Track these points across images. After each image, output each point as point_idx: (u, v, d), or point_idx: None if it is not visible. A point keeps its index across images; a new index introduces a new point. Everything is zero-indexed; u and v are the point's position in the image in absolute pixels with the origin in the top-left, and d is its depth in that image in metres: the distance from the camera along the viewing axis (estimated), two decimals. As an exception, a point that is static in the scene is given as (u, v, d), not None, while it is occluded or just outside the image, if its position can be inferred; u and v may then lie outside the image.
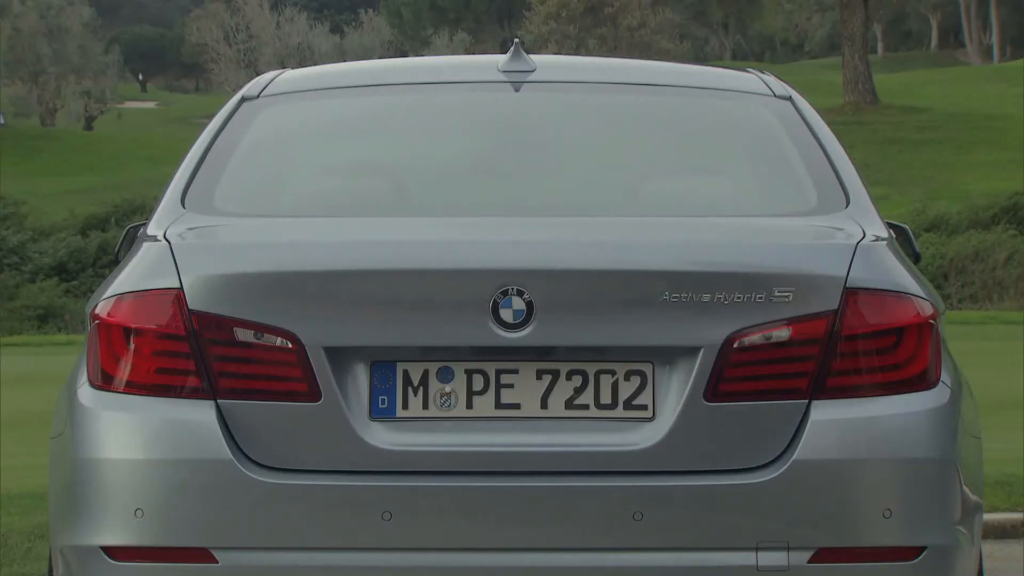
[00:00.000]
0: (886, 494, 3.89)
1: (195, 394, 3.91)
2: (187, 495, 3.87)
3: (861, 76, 54.72)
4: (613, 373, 3.90)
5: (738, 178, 4.75)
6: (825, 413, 3.89)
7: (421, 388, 3.90)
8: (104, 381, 3.97)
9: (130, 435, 3.92)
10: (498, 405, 3.89)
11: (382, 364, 3.90)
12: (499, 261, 3.87)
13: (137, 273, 4.04)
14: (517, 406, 3.89)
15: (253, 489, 3.84)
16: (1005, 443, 9.75)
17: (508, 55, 4.88)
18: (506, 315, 3.83)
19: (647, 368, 3.90)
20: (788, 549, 3.85)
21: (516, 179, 4.63)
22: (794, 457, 3.86)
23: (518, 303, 3.83)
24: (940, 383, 4.00)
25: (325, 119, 4.91)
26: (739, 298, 3.86)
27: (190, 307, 3.87)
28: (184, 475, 3.87)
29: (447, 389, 3.89)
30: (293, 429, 3.86)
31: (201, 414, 3.89)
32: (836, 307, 3.88)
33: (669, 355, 3.88)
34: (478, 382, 3.90)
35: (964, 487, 4.00)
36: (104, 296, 4.02)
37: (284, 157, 4.72)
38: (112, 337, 3.96)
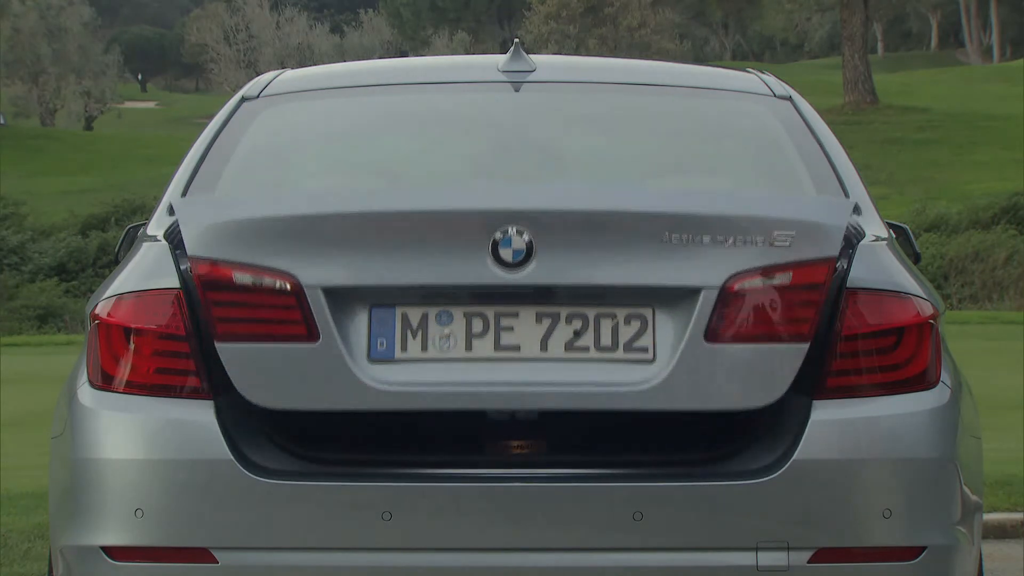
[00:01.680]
0: (886, 494, 3.90)
1: (195, 394, 3.91)
2: (187, 495, 3.87)
3: (861, 76, 54.74)
4: (613, 317, 3.89)
5: (738, 178, 4.76)
6: (825, 413, 3.89)
7: (420, 331, 3.89)
8: (104, 381, 3.97)
9: (130, 435, 3.92)
10: (497, 347, 3.88)
11: (381, 308, 3.89)
12: (499, 202, 3.87)
13: (137, 273, 4.04)
14: (516, 347, 3.88)
15: (253, 489, 3.84)
16: (1005, 443, 9.75)
17: (508, 55, 4.88)
18: (505, 254, 3.82)
19: (647, 312, 3.89)
20: (788, 549, 3.85)
21: (516, 179, 4.63)
22: (794, 457, 3.86)
23: (518, 242, 3.82)
24: (940, 383, 4.00)
25: (325, 119, 4.91)
26: (739, 241, 3.84)
27: (189, 253, 3.86)
28: (184, 475, 3.87)
29: (446, 332, 3.88)
30: (291, 370, 3.84)
31: (201, 414, 3.89)
32: (837, 254, 3.87)
33: (669, 298, 3.86)
34: (477, 325, 3.89)
35: (964, 487, 4.00)
36: (104, 296, 4.02)
37: (284, 157, 4.73)
38: (112, 337, 3.96)
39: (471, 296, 3.88)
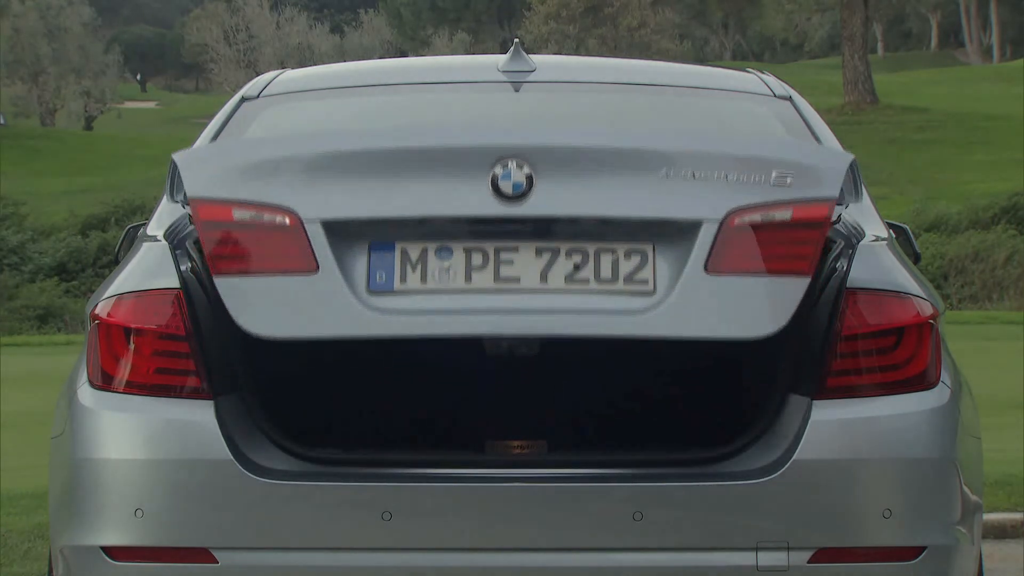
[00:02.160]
0: (886, 494, 3.90)
1: (195, 394, 3.91)
2: (187, 495, 3.87)
3: (861, 76, 54.74)
4: (613, 252, 3.89)
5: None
6: (825, 413, 3.89)
7: (420, 265, 3.89)
8: (104, 381, 3.97)
9: (130, 435, 3.92)
10: (497, 278, 3.87)
11: (380, 244, 3.89)
12: (499, 138, 3.87)
13: (137, 273, 4.04)
14: (516, 279, 3.87)
15: (253, 489, 3.84)
16: (1005, 443, 9.75)
17: (508, 55, 4.89)
18: (505, 187, 3.81)
19: (647, 248, 3.88)
20: (788, 549, 3.86)
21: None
22: (794, 457, 3.86)
23: (518, 175, 3.81)
24: (940, 383, 4.00)
25: (325, 119, 4.91)
26: (741, 178, 3.84)
27: (189, 195, 3.86)
28: (184, 475, 3.87)
29: (445, 265, 3.87)
30: (290, 300, 3.83)
31: (201, 414, 3.89)
32: (837, 194, 3.86)
33: (669, 233, 3.86)
34: (477, 259, 3.88)
35: (964, 487, 4.00)
36: (104, 296, 4.03)
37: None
38: (112, 337, 3.97)
39: (471, 230, 3.87)
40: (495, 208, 3.82)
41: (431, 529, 3.84)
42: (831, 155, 3.98)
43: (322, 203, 3.84)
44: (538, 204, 3.82)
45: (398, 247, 3.89)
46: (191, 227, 4.25)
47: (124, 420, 3.93)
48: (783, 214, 3.84)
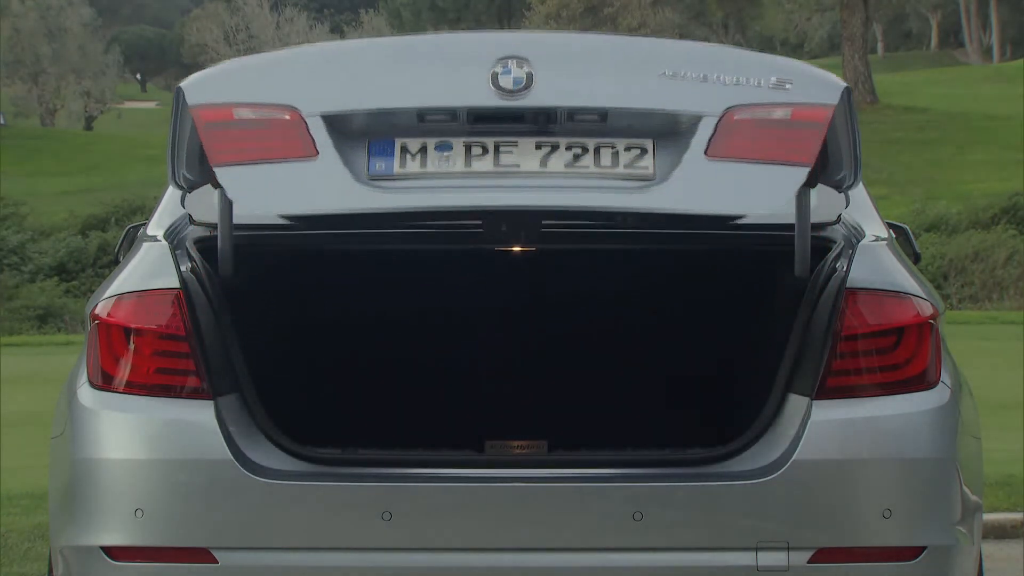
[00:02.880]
0: (886, 494, 3.90)
1: (195, 394, 3.91)
2: (187, 495, 3.87)
3: (861, 76, 54.72)
4: (613, 145, 3.89)
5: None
6: (825, 413, 3.89)
7: (419, 156, 3.89)
8: (104, 381, 3.97)
9: (130, 435, 3.92)
10: (497, 164, 3.87)
11: (380, 140, 3.89)
12: (499, 38, 3.90)
13: (137, 273, 4.04)
14: (516, 165, 3.87)
15: (253, 489, 3.84)
16: (1005, 443, 9.74)
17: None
18: (505, 82, 3.81)
19: (647, 143, 3.88)
20: (788, 549, 3.85)
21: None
22: (794, 457, 3.86)
23: (518, 72, 3.81)
24: (940, 383, 4.00)
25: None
26: (740, 80, 3.84)
27: (189, 103, 3.85)
28: (184, 475, 3.87)
29: (445, 156, 3.88)
30: (290, 181, 3.83)
31: (201, 414, 3.89)
32: (836, 102, 3.85)
33: (669, 128, 3.86)
34: (477, 151, 3.88)
35: (964, 487, 4.00)
36: (104, 296, 4.02)
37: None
38: (112, 337, 3.96)
39: (470, 128, 3.87)
40: (495, 100, 3.82)
41: (431, 529, 3.84)
42: (831, 76, 4.00)
43: (322, 99, 3.84)
44: (538, 97, 3.81)
45: (398, 143, 3.89)
46: (191, 227, 4.25)
47: (124, 420, 3.93)
48: (782, 113, 3.84)
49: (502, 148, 3.87)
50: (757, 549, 3.85)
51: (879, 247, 4.15)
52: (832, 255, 4.05)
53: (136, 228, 4.70)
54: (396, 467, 3.93)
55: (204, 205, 4.30)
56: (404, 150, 3.88)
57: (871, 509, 3.88)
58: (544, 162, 3.86)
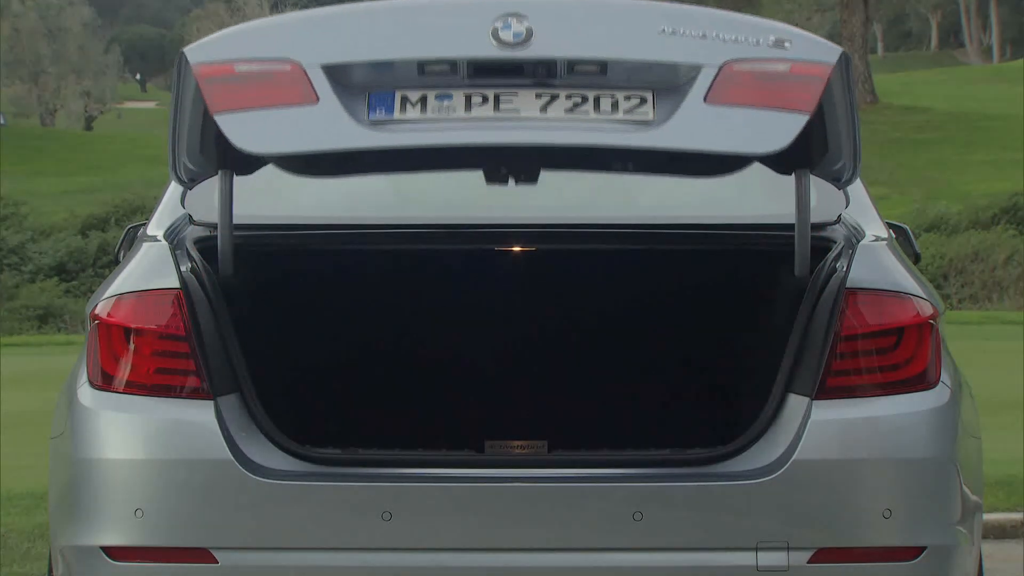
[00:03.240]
0: (886, 494, 3.90)
1: (195, 394, 3.91)
2: (187, 495, 3.87)
3: (861, 76, 54.70)
4: (613, 95, 3.89)
5: (737, 177, 4.75)
6: (825, 413, 3.89)
7: (419, 104, 3.89)
8: (104, 381, 3.97)
9: (130, 435, 3.92)
10: (497, 110, 3.88)
11: (380, 92, 3.89)
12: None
13: (137, 273, 4.04)
14: (516, 110, 3.87)
15: (253, 489, 3.84)
16: (1005, 443, 9.74)
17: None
18: (505, 36, 3.82)
19: (647, 94, 3.88)
20: (788, 549, 3.85)
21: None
22: (794, 457, 3.86)
23: (517, 27, 3.82)
24: (940, 383, 4.00)
25: None
26: (739, 38, 3.85)
27: (191, 62, 3.86)
28: (184, 475, 3.87)
29: (445, 104, 3.88)
30: (290, 125, 3.83)
31: (201, 414, 3.89)
32: (835, 62, 3.85)
33: (669, 79, 3.86)
34: (477, 99, 3.88)
35: (964, 487, 4.00)
36: (104, 296, 4.02)
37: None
38: (112, 337, 3.96)
39: (470, 78, 3.87)
40: (495, 51, 3.82)
41: (431, 529, 3.84)
42: (827, 41, 4.01)
43: (322, 52, 3.85)
44: (538, 49, 3.82)
45: (398, 94, 3.89)
46: (191, 227, 4.25)
47: (124, 420, 3.93)
48: (782, 67, 3.84)
49: (502, 98, 3.88)
50: (757, 549, 3.85)
51: (879, 247, 4.15)
52: (832, 255, 4.05)
53: (136, 228, 4.70)
54: (396, 467, 3.93)
55: (204, 205, 4.30)
56: (404, 100, 3.88)
57: (871, 509, 3.88)
58: (544, 109, 3.87)
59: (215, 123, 3.85)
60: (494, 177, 4.13)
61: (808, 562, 3.87)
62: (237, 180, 4.13)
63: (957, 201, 35.83)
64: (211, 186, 4.25)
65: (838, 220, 4.30)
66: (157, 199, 4.59)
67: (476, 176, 4.84)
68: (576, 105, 3.86)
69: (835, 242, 4.14)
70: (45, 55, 74.15)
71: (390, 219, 4.55)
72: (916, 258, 4.85)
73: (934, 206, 34.37)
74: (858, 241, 4.12)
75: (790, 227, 4.10)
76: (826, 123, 3.95)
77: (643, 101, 3.86)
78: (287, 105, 3.81)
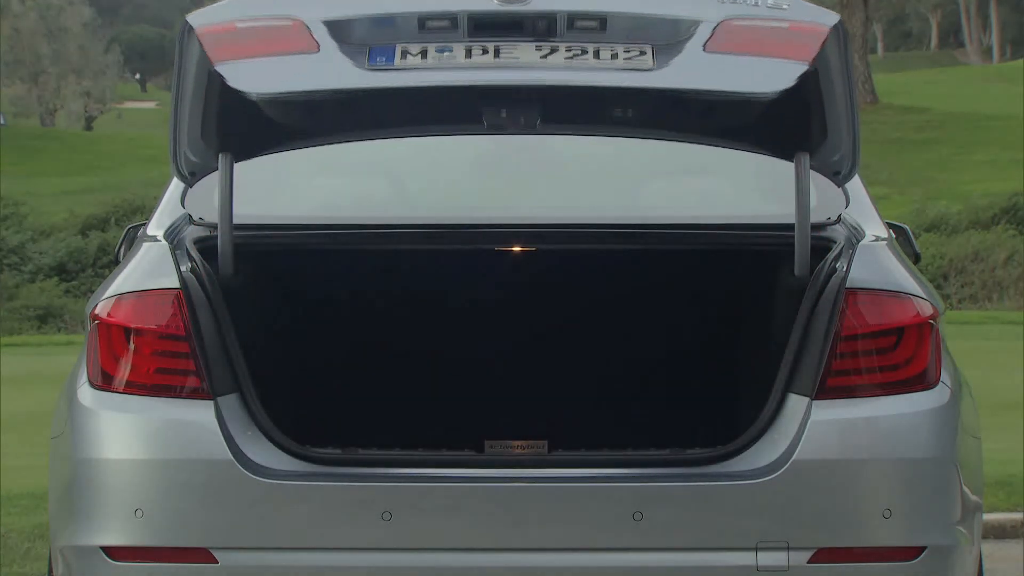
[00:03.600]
0: (886, 494, 3.90)
1: (195, 394, 3.91)
2: (187, 495, 3.87)
3: (861, 76, 54.68)
4: (612, 47, 3.91)
5: (737, 178, 4.76)
6: (825, 413, 3.89)
7: (420, 55, 3.91)
8: (104, 381, 3.97)
9: (130, 435, 3.92)
10: (497, 58, 3.90)
11: (381, 47, 3.91)
12: None
13: (137, 273, 4.04)
14: (516, 58, 3.90)
15: (253, 489, 3.84)
16: (1005, 443, 9.74)
17: None
18: None
19: (647, 47, 3.90)
20: (788, 549, 3.85)
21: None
22: (794, 457, 3.86)
23: None
24: (940, 383, 4.00)
25: None
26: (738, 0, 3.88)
27: (194, 26, 3.87)
28: (184, 475, 3.87)
29: (446, 55, 3.91)
30: (291, 70, 3.86)
31: (201, 414, 3.89)
32: (831, 25, 3.86)
33: (668, 33, 3.88)
34: (477, 50, 3.91)
35: (964, 487, 4.00)
36: (104, 296, 4.02)
37: (283, 159, 4.71)
38: (112, 337, 3.96)
39: (470, 35, 3.88)
40: (494, 6, 3.84)
41: (431, 529, 3.84)
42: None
43: (324, 8, 3.87)
44: (538, 3, 3.85)
45: (398, 48, 3.92)
46: (191, 227, 4.26)
47: (124, 420, 3.93)
48: (780, 23, 3.87)
49: (503, 48, 3.91)
50: (757, 549, 3.85)
51: (879, 247, 4.15)
52: (832, 255, 4.05)
53: (136, 228, 4.70)
54: (396, 467, 3.93)
55: (204, 204, 4.30)
56: (405, 52, 3.91)
57: (871, 509, 3.88)
58: (544, 58, 3.90)
59: (216, 104, 3.88)
60: (494, 122, 4.13)
61: (808, 562, 3.87)
62: (238, 181, 4.13)
63: (957, 201, 35.81)
64: (211, 185, 4.26)
65: (838, 220, 4.30)
66: (157, 199, 4.59)
67: (476, 176, 4.85)
68: (575, 55, 3.88)
69: (835, 242, 4.14)
70: (45, 55, 74.12)
71: (390, 219, 4.55)
72: (916, 258, 4.85)
73: (934, 206, 34.36)
74: (858, 241, 4.12)
75: (790, 227, 4.11)
76: (824, 100, 3.95)
77: (642, 53, 3.89)
78: (288, 53, 3.85)
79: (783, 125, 4.11)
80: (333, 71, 3.84)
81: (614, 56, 3.89)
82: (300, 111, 4.15)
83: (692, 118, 4.21)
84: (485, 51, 3.89)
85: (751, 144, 4.34)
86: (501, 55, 3.89)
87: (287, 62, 3.85)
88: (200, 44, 3.86)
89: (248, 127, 4.15)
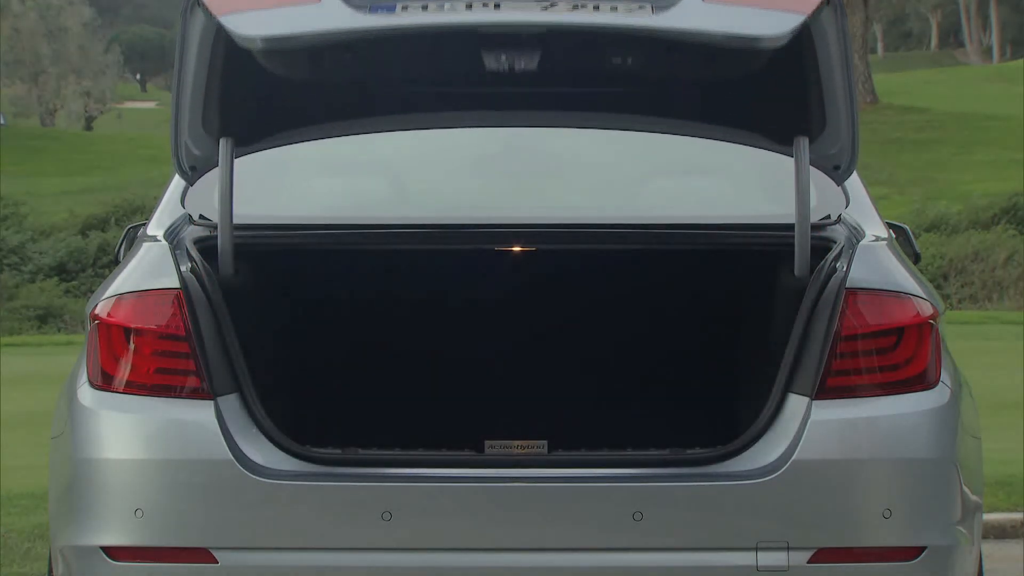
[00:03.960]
0: (886, 494, 3.90)
1: (195, 394, 3.91)
2: (187, 495, 3.87)
3: (861, 76, 54.67)
4: (613, 3, 3.94)
5: (737, 178, 4.76)
6: (825, 413, 3.89)
7: (421, 5, 3.95)
8: (104, 381, 3.97)
9: (130, 435, 3.93)
10: (498, 8, 3.93)
11: (383, 3, 3.94)
12: None
13: (137, 273, 4.04)
14: (519, 5, 3.94)
15: (253, 489, 3.84)
16: (1005, 443, 9.74)
17: None
18: None
19: (646, 3, 3.93)
20: (788, 549, 3.85)
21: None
22: (794, 457, 3.86)
23: None
24: (940, 383, 4.00)
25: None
26: None
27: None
28: (184, 475, 3.87)
29: (447, 6, 3.94)
30: (290, 16, 3.90)
31: (201, 414, 3.89)
32: None
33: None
34: (478, 4, 3.94)
35: (964, 487, 4.00)
36: (104, 296, 4.02)
37: (283, 159, 4.72)
38: (112, 337, 3.96)
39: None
40: None
41: (431, 529, 3.84)
42: None
43: None
44: None
45: (399, 5, 3.94)
46: (191, 227, 4.26)
47: (124, 420, 3.93)
48: None
49: (503, 4, 3.93)
50: (757, 549, 3.85)
51: (879, 247, 4.15)
52: (832, 255, 4.05)
53: (136, 228, 4.70)
54: (396, 467, 3.93)
55: (204, 204, 4.30)
56: (406, 6, 3.95)
57: (871, 509, 3.88)
58: (545, 9, 3.94)
59: (218, 84, 3.88)
60: (493, 64, 4.12)
61: (808, 562, 3.87)
62: (238, 181, 4.13)
63: (957, 201, 35.81)
64: (211, 185, 4.26)
65: (838, 220, 4.30)
66: (157, 199, 4.59)
67: (476, 176, 4.85)
68: (576, 7, 3.91)
69: (835, 242, 4.14)
70: (45, 55, 74.11)
71: (390, 219, 4.55)
72: (916, 258, 4.86)
73: (934, 206, 34.36)
74: (858, 241, 4.12)
75: (790, 227, 4.10)
76: (822, 80, 3.94)
77: (642, 7, 3.92)
78: (290, 4, 3.90)
79: (781, 107, 4.11)
80: (333, 17, 3.88)
81: (614, 9, 3.90)
82: (301, 62, 4.15)
83: (692, 68, 4.19)
84: (486, 4, 3.91)
85: (750, 128, 4.33)
86: (502, 5, 3.90)
87: (289, 12, 3.90)
88: (203, 4, 3.86)
89: (249, 111, 4.16)
